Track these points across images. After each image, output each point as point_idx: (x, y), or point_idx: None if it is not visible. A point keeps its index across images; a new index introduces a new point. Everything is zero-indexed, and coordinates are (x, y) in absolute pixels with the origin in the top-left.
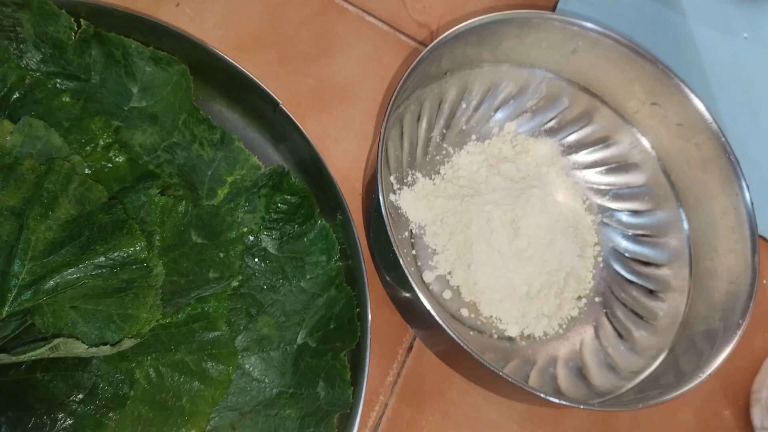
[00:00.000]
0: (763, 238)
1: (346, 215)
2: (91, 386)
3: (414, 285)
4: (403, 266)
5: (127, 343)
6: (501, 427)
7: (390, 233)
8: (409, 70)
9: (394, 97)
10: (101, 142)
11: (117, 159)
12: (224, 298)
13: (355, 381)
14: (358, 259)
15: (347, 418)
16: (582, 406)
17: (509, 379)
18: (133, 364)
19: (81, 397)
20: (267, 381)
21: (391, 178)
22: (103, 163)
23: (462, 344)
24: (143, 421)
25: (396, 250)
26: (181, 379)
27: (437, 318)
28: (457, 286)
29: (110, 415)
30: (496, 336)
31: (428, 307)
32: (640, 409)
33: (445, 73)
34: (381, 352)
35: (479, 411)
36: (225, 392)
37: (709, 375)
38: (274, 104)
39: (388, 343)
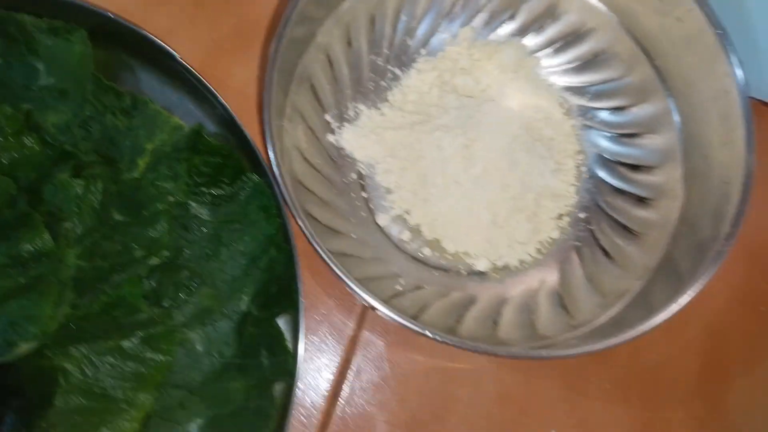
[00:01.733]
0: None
1: (264, 173)
2: (16, 388)
3: (329, 261)
4: (309, 237)
5: (24, 348)
6: (477, 367)
7: (288, 198)
8: None
9: (282, 24)
10: (10, 131)
11: (30, 145)
12: (137, 280)
13: (294, 346)
14: (283, 219)
15: (288, 385)
16: (533, 356)
17: (429, 335)
18: (61, 359)
19: (7, 401)
20: (213, 354)
21: (327, 117)
22: (17, 151)
23: (381, 307)
24: (82, 412)
25: (297, 216)
26: (119, 365)
27: (345, 279)
28: (417, 225)
29: (40, 413)
30: (464, 273)
31: (339, 272)
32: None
33: None
34: (339, 305)
35: (452, 353)
36: (168, 371)
37: (692, 295)
38: (172, 58)
39: (346, 294)
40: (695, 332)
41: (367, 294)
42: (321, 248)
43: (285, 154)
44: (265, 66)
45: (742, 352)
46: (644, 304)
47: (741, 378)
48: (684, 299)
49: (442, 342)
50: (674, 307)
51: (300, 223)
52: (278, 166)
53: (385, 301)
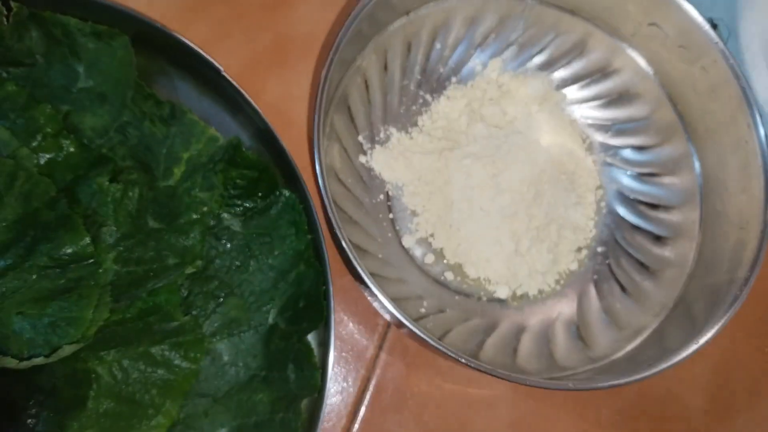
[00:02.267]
0: None
1: (301, 188)
2: (51, 388)
3: (365, 278)
4: (349, 253)
5: (67, 350)
6: (493, 389)
7: (331, 214)
8: (354, 13)
9: (334, 49)
10: (50, 131)
11: (68, 147)
12: (176, 288)
13: (323, 363)
14: (317, 234)
15: (315, 402)
16: (553, 387)
17: (451, 354)
18: (94, 363)
19: (41, 400)
20: (239, 365)
21: (360, 138)
22: (54, 153)
23: (412, 327)
24: (111, 416)
25: (339, 232)
26: (148, 371)
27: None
28: (440, 249)
29: (72, 414)
30: (485, 298)
31: (376, 292)
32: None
33: (407, 13)
34: (361, 324)
35: (470, 375)
36: (195, 380)
37: (710, 338)
38: (216, 71)
39: (368, 313)
40: (702, 369)
41: (398, 311)
42: (358, 262)
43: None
44: (302, 84)
45: (746, 391)
46: (659, 342)
47: (744, 415)
48: (701, 342)
49: (468, 365)
50: (690, 351)
51: (340, 235)
52: (324, 182)
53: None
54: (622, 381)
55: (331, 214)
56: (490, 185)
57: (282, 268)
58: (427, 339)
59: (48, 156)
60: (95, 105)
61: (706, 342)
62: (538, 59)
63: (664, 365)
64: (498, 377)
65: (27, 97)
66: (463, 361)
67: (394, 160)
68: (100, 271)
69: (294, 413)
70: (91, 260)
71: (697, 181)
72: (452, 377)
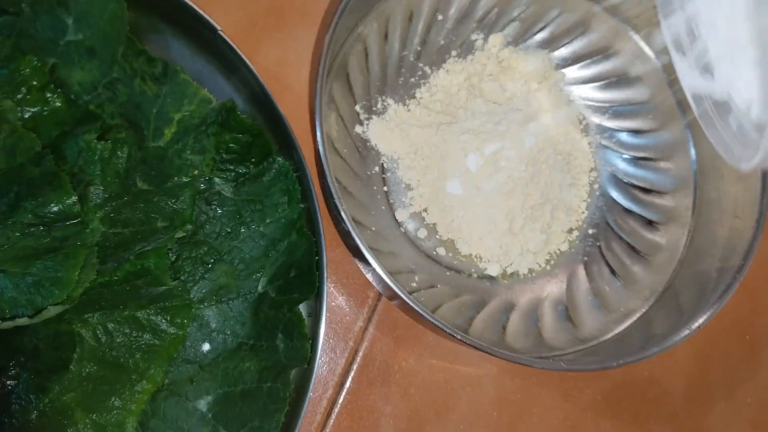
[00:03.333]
0: None
1: (297, 155)
2: (32, 350)
3: (362, 248)
4: (347, 224)
5: (52, 311)
6: (479, 367)
7: (331, 183)
8: None
9: (338, 14)
10: (35, 84)
11: (54, 101)
12: (165, 252)
13: (313, 333)
14: (312, 203)
15: (305, 372)
16: (540, 366)
17: (444, 328)
18: (78, 325)
19: (22, 361)
20: (227, 332)
21: (357, 108)
22: (39, 106)
23: (408, 300)
24: (94, 380)
25: (337, 202)
26: (133, 335)
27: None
28: (434, 224)
29: (54, 377)
30: (475, 275)
31: (373, 264)
32: (614, 367)
33: None
34: (351, 297)
35: (456, 351)
36: (181, 345)
37: (700, 326)
38: (212, 30)
39: (358, 286)
40: (684, 354)
41: (393, 282)
42: (356, 233)
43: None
44: (298, 49)
45: (725, 377)
46: (647, 327)
47: (723, 401)
48: (693, 327)
49: (460, 339)
50: (681, 336)
51: (339, 206)
52: (324, 151)
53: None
54: (612, 364)
55: (330, 184)
56: (487, 162)
57: (273, 236)
58: (421, 311)
59: (33, 110)
60: (84, 59)
61: (697, 328)
62: (539, 36)
63: (654, 349)
64: (488, 353)
65: (11, 47)
66: (455, 335)
67: (390, 132)
68: (87, 231)
69: (282, 383)
70: (78, 219)
71: (692, 168)
72: (439, 353)
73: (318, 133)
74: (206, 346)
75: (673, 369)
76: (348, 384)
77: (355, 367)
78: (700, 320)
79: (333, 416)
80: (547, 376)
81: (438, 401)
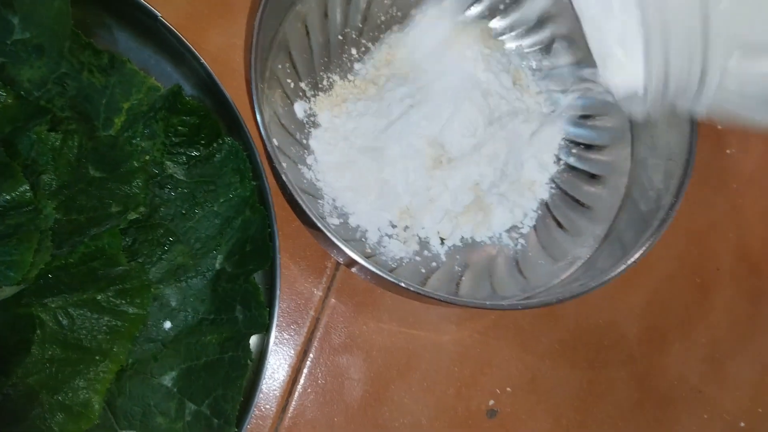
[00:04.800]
0: None
1: (246, 136)
2: None
3: (309, 213)
4: (295, 195)
5: (8, 291)
6: (438, 328)
7: (273, 156)
8: None
9: None
10: None
11: (4, 99)
12: (117, 233)
13: (270, 301)
14: (262, 181)
15: (264, 338)
16: (487, 305)
17: (401, 284)
18: (37, 309)
19: None
20: (187, 310)
21: (302, 84)
22: None
23: (357, 258)
24: (57, 362)
25: (285, 178)
26: (94, 318)
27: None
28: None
29: (16, 360)
30: (429, 241)
31: (321, 227)
32: (559, 302)
33: None
34: (309, 269)
35: (415, 316)
36: (142, 325)
37: (637, 260)
38: (153, 18)
39: (316, 258)
40: (637, 299)
41: (347, 246)
42: (304, 203)
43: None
44: (244, 33)
45: (678, 319)
46: (592, 270)
47: (677, 342)
48: (629, 262)
49: (416, 292)
50: (617, 271)
51: (287, 180)
52: (264, 125)
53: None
54: (552, 299)
55: (274, 156)
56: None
57: (227, 214)
58: (376, 271)
59: None
60: (32, 57)
61: (633, 263)
62: (475, 8)
63: (593, 284)
64: (443, 301)
65: None
66: (410, 289)
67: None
68: (40, 217)
69: (243, 351)
70: (31, 207)
71: (629, 121)
72: (399, 317)
73: (257, 114)
74: (168, 324)
75: (627, 314)
76: (311, 352)
77: (317, 335)
78: (636, 255)
79: (299, 384)
80: (505, 329)
81: (400, 362)
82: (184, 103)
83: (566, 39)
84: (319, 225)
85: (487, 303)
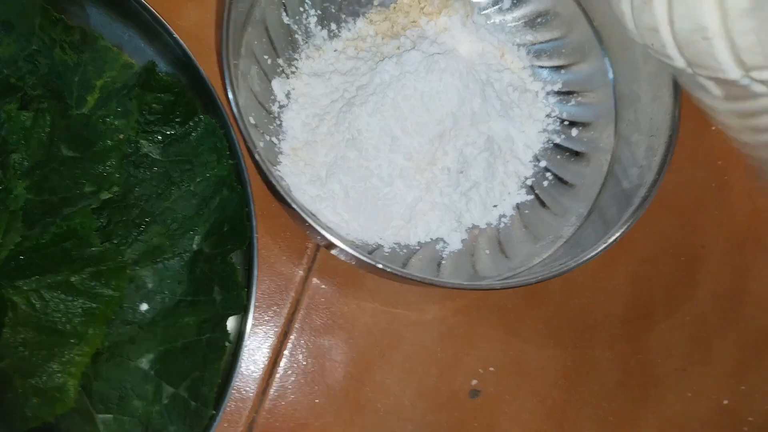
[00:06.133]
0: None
1: (221, 115)
2: None
3: (285, 195)
4: (269, 176)
5: None
6: (420, 308)
7: (246, 135)
8: None
9: None
10: None
11: None
12: (89, 212)
13: (248, 282)
14: (238, 160)
15: (242, 319)
16: (468, 286)
17: (378, 265)
18: (9, 292)
19: None
20: (164, 292)
21: (279, 60)
22: None
23: (333, 240)
24: (30, 345)
25: (259, 158)
26: (68, 300)
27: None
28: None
29: None
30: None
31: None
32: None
33: None
34: (289, 249)
35: (397, 296)
36: (118, 307)
37: (619, 237)
38: None
39: (296, 238)
40: (621, 279)
41: (324, 229)
42: (279, 185)
43: (242, 97)
44: (220, 8)
45: (663, 298)
46: (575, 247)
47: (662, 321)
48: (609, 241)
49: (392, 273)
50: (599, 249)
51: (258, 159)
52: (236, 103)
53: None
54: (531, 279)
55: (246, 135)
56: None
57: (204, 194)
58: (354, 253)
59: None
60: (1, 34)
61: (614, 240)
62: None
63: (573, 264)
64: (424, 283)
65: None
66: (388, 270)
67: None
68: (11, 197)
69: (221, 332)
70: (0, 186)
71: (612, 96)
72: (381, 297)
73: (229, 88)
74: (144, 306)
75: (612, 294)
76: (292, 334)
77: (298, 316)
78: (618, 233)
79: (279, 366)
80: (487, 311)
81: (383, 342)
82: (158, 80)
83: (550, 14)
84: (295, 207)
85: (465, 284)
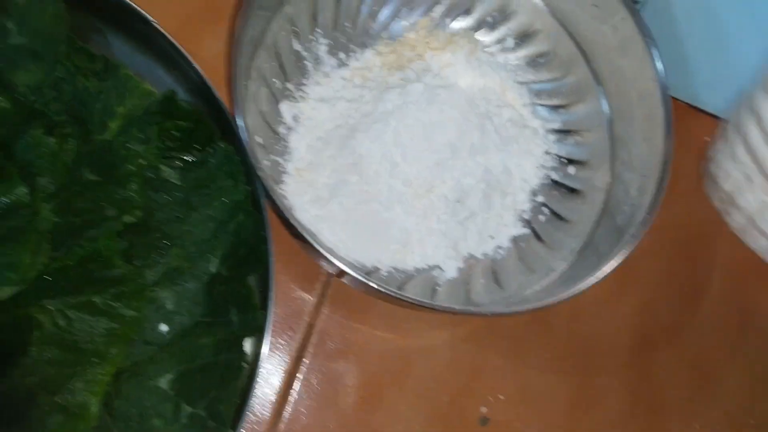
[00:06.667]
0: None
1: (240, 141)
2: None
3: (291, 219)
4: (274, 196)
5: (7, 291)
6: (429, 335)
7: (254, 163)
8: None
9: None
10: None
11: (1, 102)
12: (113, 235)
13: (264, 304)
14: (254, 185)
15: (258, 340)
16: (458, 311)
17: (380, 288)
18: (36, 311)
19: None
20: (183, 313)
21: (289, 85)
22: None
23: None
24: (55, 363)
25: (264, 180)
26: (91, 320)
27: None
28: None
29: (14, 361)
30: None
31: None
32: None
33: None
34: (302, 274)
35: (407, 322)
36: (139, 328)
37: (610, 272)
38: (145, 22)
39: (309, 264)
40: (627, 308)
41: (335, 257)
42: (289, 214)
43: (251, 118)
44: (231, 30)
45: (669, 328)
46: (568, 280)
47: (666, 350)
48: (600, 276)
49: (388, 294)
50: (588, 283)
51: (268, 189)
52: (246, 131)
53: None
54: (527, 307)
55: (254, 163)
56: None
57: (221, 218)
58: (355, 275)
59: None
60: (28, 62)
61: (605, 276)
62: (465, 20)
63: (566, 295)
64: (418, 305)
65: None
66: (389, 293)
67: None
68: (38, 218)
69: (238, 353)
70: (28, 209)
71: (608, 136)
72: (393, 324)
73: (239, 114)
74: (164, 327)
75: (618, 323)
76: (306, 359)
77: (312, 341)
78: (607, 269)
79: (294, 389)
80: (497, 338)
81: (395, 369)
82: (178, 107)
83: (550, 54)
84: (294, 224)
85: (457, 307)
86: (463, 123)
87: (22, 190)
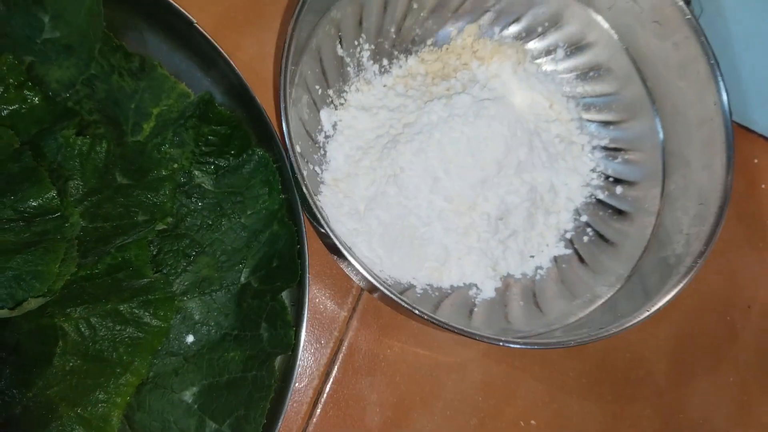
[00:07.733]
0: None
1: (277, 147)
2: (15, 345)
3: (336, 242)
4: (319, 215)
5: (33, 303)
6: (462, 356)
7: (297, 172)
8: None
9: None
10: (12, 82)
11: (32, 99)
12: (145, 244)
13: (297, 321)
14: (293, 194)
15: (289, 360)
16: (501, 343)
17: (415, 311)
18: (60, 319)
19: (4, 356)
20: (210, 324)
21: (330, 91)
22: (17, 104)
23: (375, 282)
24: (78, 374)
25: (305, 190)
26: (116, 329)
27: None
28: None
29: (37, 371)
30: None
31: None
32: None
33: None
34: (334, 287)
35: (439, 341)
36: (164, 338)
37: (661, 307)
38: (188, 23)
39: (341, 276)
40: (665, 335)
41: (369, 273)
42: (328, 228)
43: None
44: (275, 42)
45: (706, 357)
46: (612, 310)
47: (704, 380)
48: (652, 310)
49: (421, 316)
50: (641, 318)
51: (310, 199)
52: (290, 139)
53: None
54: (570, 339)
55: (301, 180)
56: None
57: (254, 227)
58: (390, 294)
59: (11, 108)
60: (61, 57)
61: (657, 310)
62: (513, 28)
63: (613, 330)
64: (458, 334)
65: None
66: (416, 313)
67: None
68: (67, 225)
69: (267, 371)
70: (57, 214)
71: (661, 158)
72: (423, 341)
73: (284, 122)
74: (190, 338)
75: (655, 349)
76: (334, 373)
77: (340, 356)
78: (660, 303)
79: (320, 405)
80: (530, 361)
81: (423, 388)
82: (215, 112)
83: (603, 68)
84: (333, 238)
85: (492, 337)
86: (511, 139)
87: (52, 194)
